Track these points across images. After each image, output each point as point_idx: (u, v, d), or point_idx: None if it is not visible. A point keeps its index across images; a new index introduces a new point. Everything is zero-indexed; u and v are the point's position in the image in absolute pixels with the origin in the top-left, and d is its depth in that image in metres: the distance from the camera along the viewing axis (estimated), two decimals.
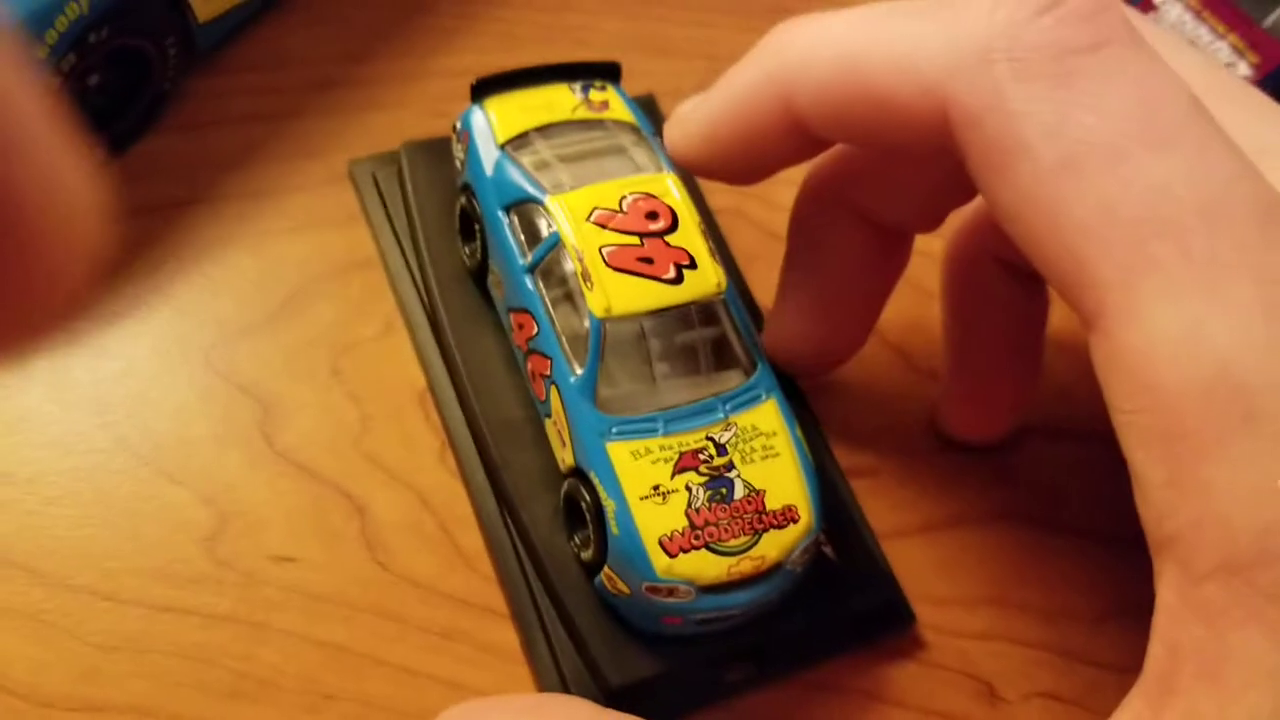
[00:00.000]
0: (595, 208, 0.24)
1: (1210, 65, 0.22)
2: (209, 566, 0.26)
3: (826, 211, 0.26)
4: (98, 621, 0.25)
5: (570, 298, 0.25)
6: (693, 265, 0.24)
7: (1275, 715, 0.17)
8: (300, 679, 0.25)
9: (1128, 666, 0.20)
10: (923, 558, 0.28)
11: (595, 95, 0.28)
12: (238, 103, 0.32)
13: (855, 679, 0.26)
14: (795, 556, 0.23)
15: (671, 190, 0.25)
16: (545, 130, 0.27)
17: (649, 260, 0.24)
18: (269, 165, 0.31)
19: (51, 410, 0.27)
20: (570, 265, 0.24)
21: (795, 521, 0.23)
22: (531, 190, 0.25)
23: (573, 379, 0.24)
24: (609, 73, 0.28)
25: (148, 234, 0.30)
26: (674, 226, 0.24)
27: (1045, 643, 0.28)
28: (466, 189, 0.27)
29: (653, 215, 0.24)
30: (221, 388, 0.28)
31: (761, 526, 0.23)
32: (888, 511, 0.29)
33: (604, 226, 0.24)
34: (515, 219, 0.26)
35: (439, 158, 0.29)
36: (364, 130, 0.32)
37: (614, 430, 0.23)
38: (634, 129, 0.27)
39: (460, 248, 0.28)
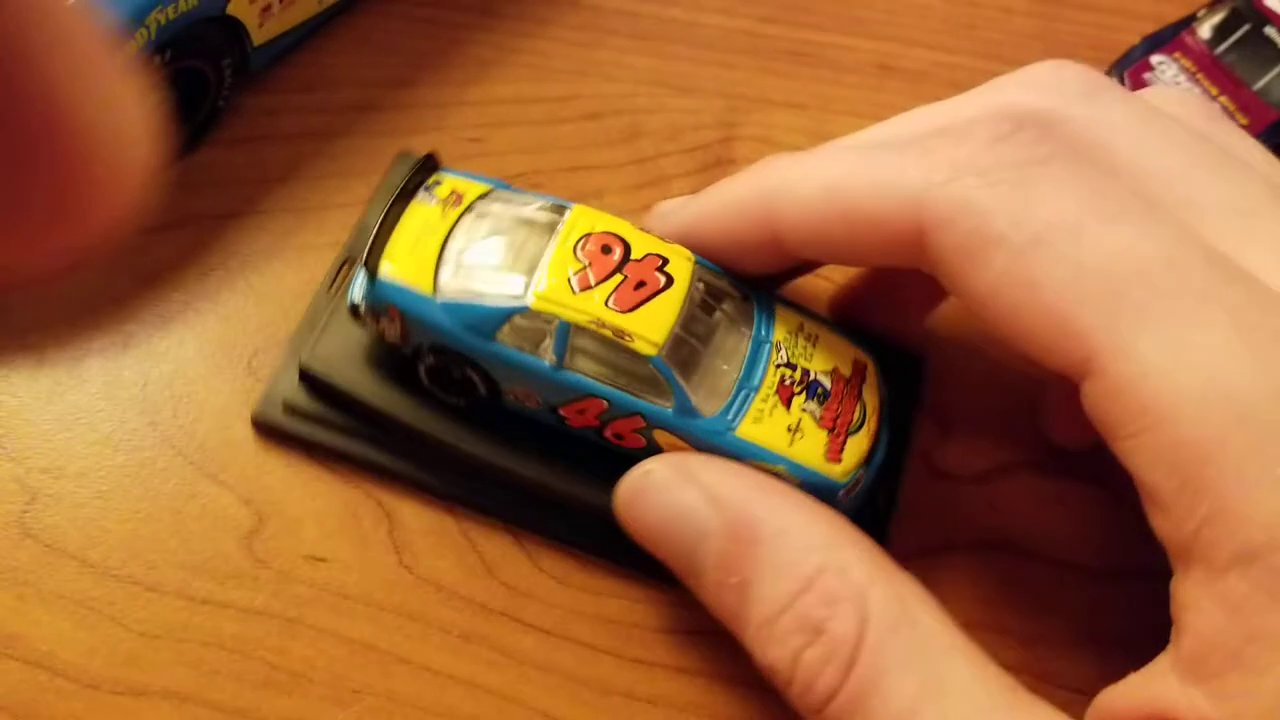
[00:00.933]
0: (567, 278, 0.25)
1: (1193, 137, 0.25)
2: (246, 563, 0.27)
3: None
4: (142, 610, 0.26)
5: (597, 356, 0.26)
6: (664, 260, 0.26)
7: None
8: (329, 673, 0.26)
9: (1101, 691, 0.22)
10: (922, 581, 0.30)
11: (441, 192, 0.27)
12: (286, 120, 0.34)
13: None
14: (884, 390, 0.28)
15: (590, 217, 0.26)
16: (443, 255, 0.26)
17: (641, 284, 0.25)
18: (313, 182, 0.33)
19: (103, 408, 0.29)
20: (580, 339, 0.25)
21: (864, 365, 0.27)
22: (508, 304, 0.25)
23: (671, 411, 0.25)
24: (431, 168, 0.28)
25: (198, 242, 0.31)
26: (626, 244, 0.26)
27: (1023, 666, 0.29)
28: (434, 350, 0.26)
29: (606, 249, 0.26)
30: (263, 393, 0.29)
31: (855, 391, 0.27)
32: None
33: (589, 287, 0.25)
34: (510, 336, 0.26)
35: None
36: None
37: (729, 420, 0.25)
38: (498, 196, 0.27)
39: (445, 399, 0.28)
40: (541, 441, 0.27)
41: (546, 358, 0.25)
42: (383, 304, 0.26)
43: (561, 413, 0.27)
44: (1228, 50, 0.38)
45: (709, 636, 0.27)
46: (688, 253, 0.26)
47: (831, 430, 0.26)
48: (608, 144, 0.35)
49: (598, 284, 0.25)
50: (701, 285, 0.26)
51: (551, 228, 0.26)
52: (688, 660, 0.27)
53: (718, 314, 0.27)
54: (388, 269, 0.26)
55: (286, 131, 0.34)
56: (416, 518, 0.28)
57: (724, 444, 0.25)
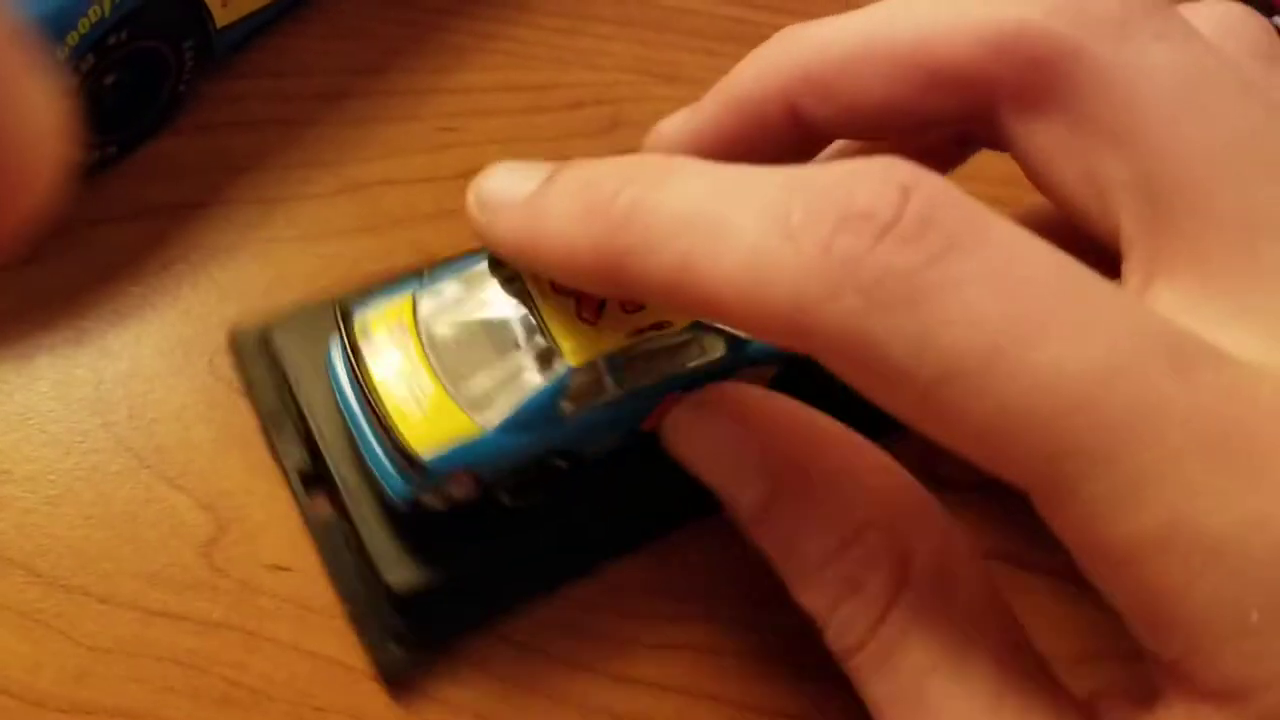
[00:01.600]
0: (575, 319, 0.23)
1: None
2: (205, 573, 0.26)
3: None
4: (92, 623, 0.25)
5: (645, 359, 0.24)
6: None
7: None
8: (291, 690, 0.25)
9: None
10: None
11: (378, 334, 0.24)
12: (252, 107, 0.32)
13: (831, 713, 0.27)
14: None
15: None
16: (449, 390, 0.24)
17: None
18: (280, 172, 0.31)
19: (54, 409, 0.27)
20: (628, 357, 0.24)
21: None
22: (553, 382, 0.23)
23: (725, 356, 0.25)
24: (347, 315, 0.24)
25: (157, 234, 0.30)
26: None
27: None
28: (513, 473, 0.24)
29: None
30: (224, 393, 0.28)
31: None
32: None
33: (598, 310, 0.24)
34: (571, 406, 0.24)
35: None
36: (375, 142, 0.33)
37: None
38: (427, 299, 0.25)
39: (531, 506, 0.26)
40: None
41: (613, 396, 0.24)
42: (445, 477, 0.23)
43: (643, 430, 0.25)
44: None
45: (687, 652, 0.26)
46: None
47: None
48: (589, 134, 0.34)
49: (600, 302, 0.24)
50: None
51: (509, 285, 0.24)
52: (670, 677, 0.26)
53: None
54: (425, 447, 0.23)
55: (253, 119, 0.32)
56: None
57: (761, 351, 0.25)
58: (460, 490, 0.24)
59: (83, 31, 0.26)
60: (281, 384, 0.27)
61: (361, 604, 0.25)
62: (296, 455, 0.27)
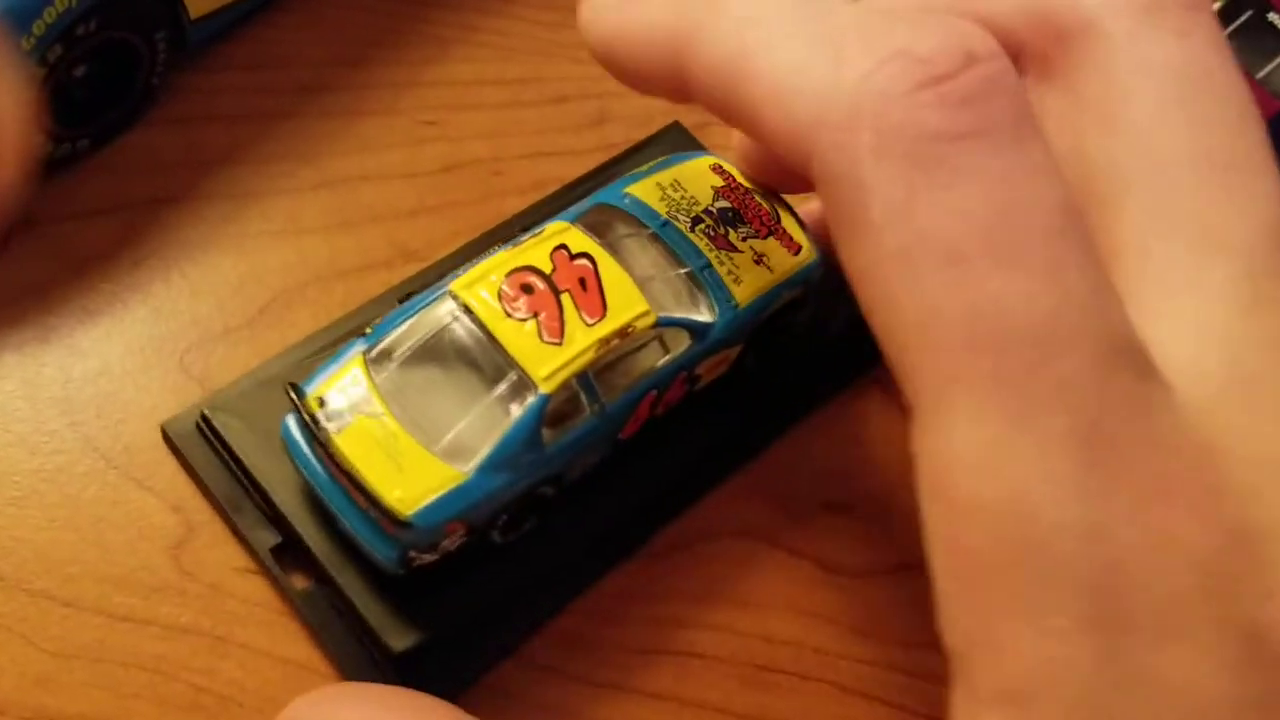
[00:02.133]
0: (538, 341, 0.23)
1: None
2: (173, 576, 0.25)
3: None
4: (56, 628, 0.24)
5: (616, 364, 0.24)
6: (567, 247, 0.24)
7: None
8: (260, 696, 0.24)
9: None
10: (893, 598, 0.28)
11: (333, 402, 0.23)
12: (227, 101, 0.32)
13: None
14: None
15: (470, 282, 0.24)
16: (423, 441, 0.23)
17: (583, 281, 0.24)
18: (255, 166, 0.31)
19: (19, 407, 0.27)
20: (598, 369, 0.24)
21: None
22: (528, 412, 0.23)
23: (692, 348, 0.25)
24: (300, 394, 0.24)
25: (128, 230, 0.29)
26: (533, 269, 0.24)
27: None
28: (503, 510, 0.24)
29: (527, 288, 0.24)
30: (195, 392, 0.27)
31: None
32: (860, 548, 0.29)
33: (560, 328, 0.23)
34: (550, 431, 0.24)
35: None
36: (353, 136, 0.32)
37: (728, 301, 0.26)
38: (378, 350, 0.24)
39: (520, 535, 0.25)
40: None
41: (591, 413, 0.24)
42: (436, 532, 0.23)
43: (622, 438, 0.25)
44: (1229, 37, 0.36)
45: (657, 656, 0.26)
46: (572, 228, 0.25)
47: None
48: (574, 129, 0.33)
49: (560, 319, 0.23)
50: (610, 238, 0.25)
51: (459, 322, 0.24)
52: (635, 680, 0.26)
53: (632, 239, 0.26)
54: (406, 505, 0.22)
55: (227, 112, 0.32)
56: None
57: (739, 319, 0.25)
58: (452, 541, 0.23)
59: (49, 21, 0.26)
60: (231, 467, 0.26)
61: (359, 666, 0.25)
62: (263, 535, 0.25)
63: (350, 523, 0.23)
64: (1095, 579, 0.16)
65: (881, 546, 0.29)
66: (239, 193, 0.30)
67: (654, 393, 0.25)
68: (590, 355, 0.23)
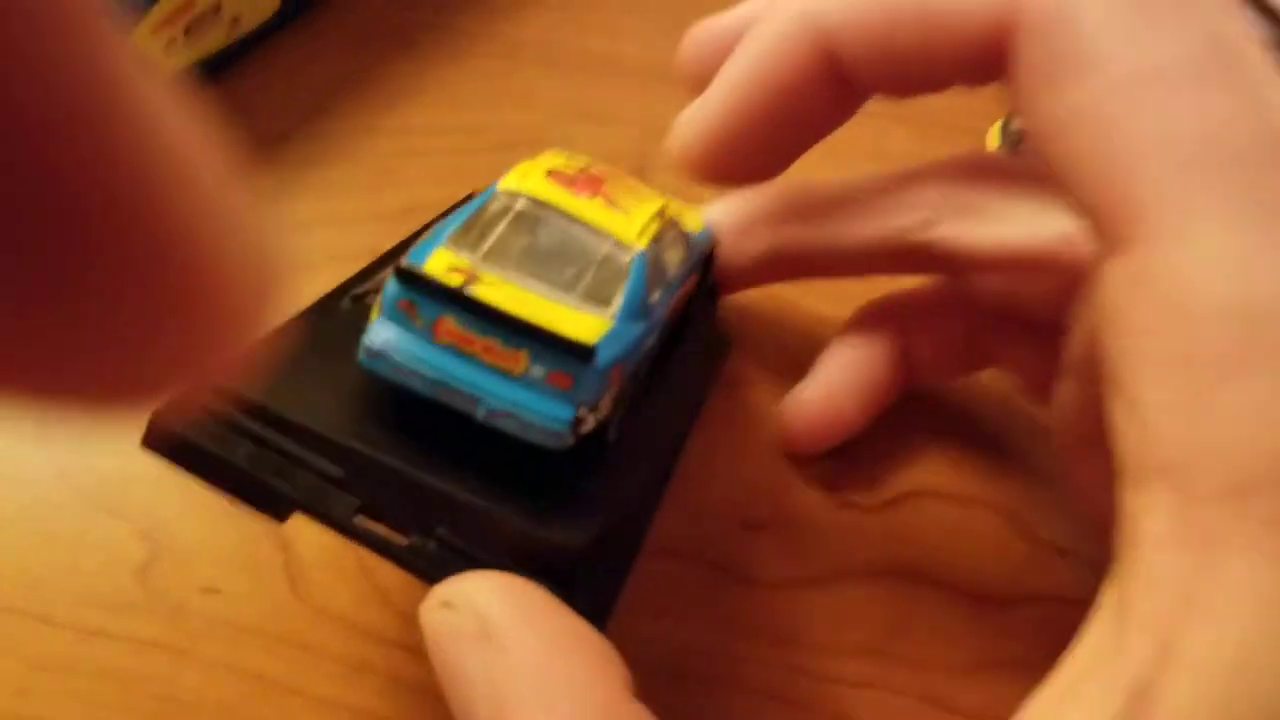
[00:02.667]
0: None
1: None
2: (140, 596, 0.28)
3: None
4: (32, 643, 0.27)
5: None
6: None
7: (1261, 644, 0.16)
8: (219, 705, 0.26)
9: (992, 715, 0.22)
10: (808, 608, 0.31)
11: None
12: None
13: None
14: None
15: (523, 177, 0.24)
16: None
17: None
18: None
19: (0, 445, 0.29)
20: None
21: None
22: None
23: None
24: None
25: None
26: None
27: (915, 691, 0.30)
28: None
29: (569, 180, 0.24)
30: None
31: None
32: (781, 562, 0.31)
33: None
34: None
35: None
36: (314, 183, 0.34)
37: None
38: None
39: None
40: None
41: (671, 276, 0.25)
42: (606, 376, 0.21)
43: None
44: None
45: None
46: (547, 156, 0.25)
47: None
48: None
49: (612, 199, 0.24)
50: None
51: (528, 208, 0.23)
52: None
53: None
54: (589, 335, 0.21)
55: None
56: (312, 549, 0.29)
57: (695, 240, 0.26)
58: (609, 402, 0.22)
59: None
60: (278, 445, 0.22)
61: None
62: (342, 500, 0.22)
63: (502, 401, 0.21)
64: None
65: (799, 561, 0.31)
66: None
67: (694, 276, 0.25)
68: (658, 222, 0.24)
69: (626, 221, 0.23)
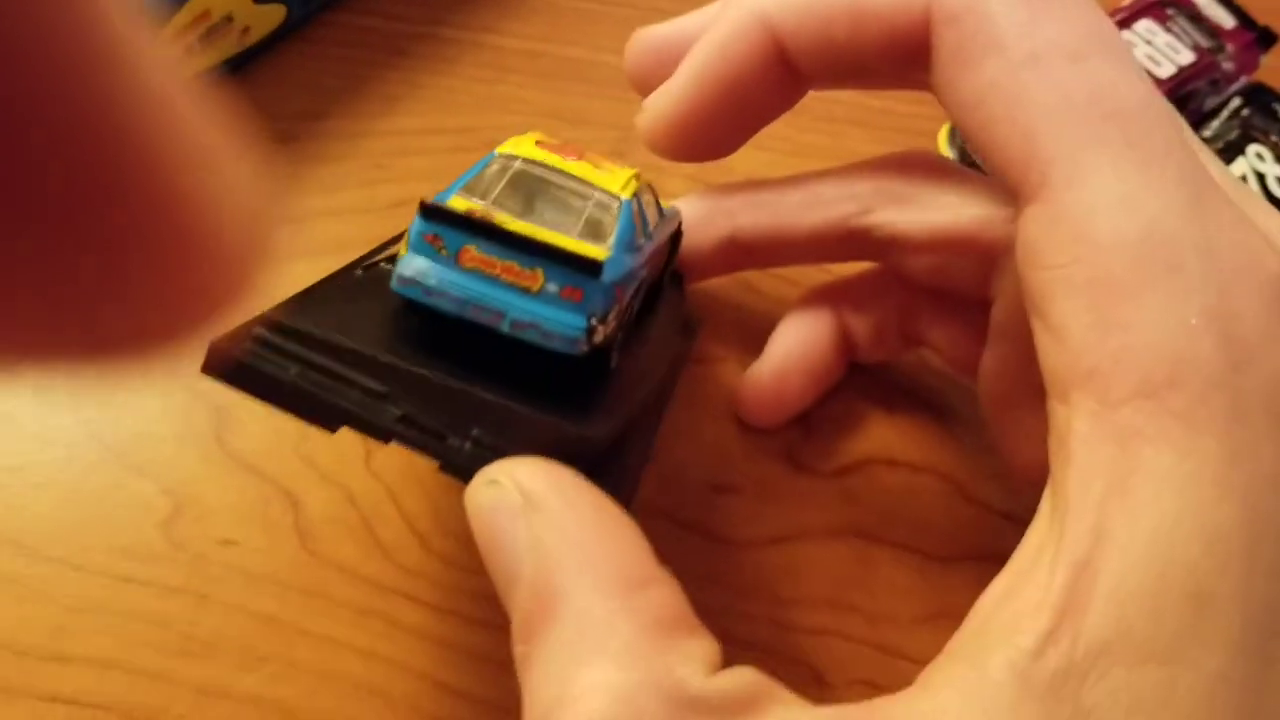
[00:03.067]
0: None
1: None
2: (165, 547, 0.30)
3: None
4: (69, 588, 0.29)
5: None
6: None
7: (1180, 519, 0.19)
8: (238, 643, 0.29)
9: None
10: (771, 564, 0.34)
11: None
12: None
13: None
14: None
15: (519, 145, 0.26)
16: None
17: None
18: None
19: (36, 409, 0.32)
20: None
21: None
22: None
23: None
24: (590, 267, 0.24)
25: None
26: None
27: (869, 640, 0.33)
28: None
29: (556, 148, 0.27)
30: (184, 395, 0.33)
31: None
32: (745, 523, 0.34)
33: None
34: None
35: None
36: (316, 179, 0.37)
37: None
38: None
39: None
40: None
41: (652, 228, 0.28)
42: (611, 293, 0.24)
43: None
44: None
45: None
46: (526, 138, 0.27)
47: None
48: None
49: (594, 161, 0.27)
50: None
51: (523, 167, 0.26)
52: None
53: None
54: (597, 253, 0.24)
55: None
56: (320, 506, 0.32)
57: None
58: (614, 319, 0.25)
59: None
60: (320, 364, 0.24)
61: None
62: (385, 409, 0.24)
63: (525, 313, 0.24)
64: (1212, 283, 0.20)
65: (762, 522, 0.34)
66: None
67: (656, 243, 0.28)
68: (636, 181, 0.27)
69: (610, 178, 0.26)
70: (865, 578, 0.34)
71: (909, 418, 0.36)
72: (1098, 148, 0.21)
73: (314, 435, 0.32)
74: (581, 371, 0.25)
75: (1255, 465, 0.19)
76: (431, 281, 0.24)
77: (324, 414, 0.23)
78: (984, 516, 0.35)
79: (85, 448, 0.31)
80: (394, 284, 0.24)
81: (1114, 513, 0.19)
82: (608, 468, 0.23)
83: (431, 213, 0.24)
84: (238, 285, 0.11)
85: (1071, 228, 0.21)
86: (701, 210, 0.33)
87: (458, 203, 0.25)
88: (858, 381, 0.36)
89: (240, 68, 0.38)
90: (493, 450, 0.23)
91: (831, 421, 0.36)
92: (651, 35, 0.30)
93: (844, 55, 0.26)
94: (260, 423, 0.33)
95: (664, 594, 0.22)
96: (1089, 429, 0.20)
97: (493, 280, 0.24)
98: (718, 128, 0.29)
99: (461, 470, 0.23)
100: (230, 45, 0.37)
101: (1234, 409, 0.19)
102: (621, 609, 0.21)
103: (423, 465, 0.32)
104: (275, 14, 0.38)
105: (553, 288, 0.24)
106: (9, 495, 0.30)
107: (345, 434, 0.32)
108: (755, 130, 0.30)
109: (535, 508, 0.21)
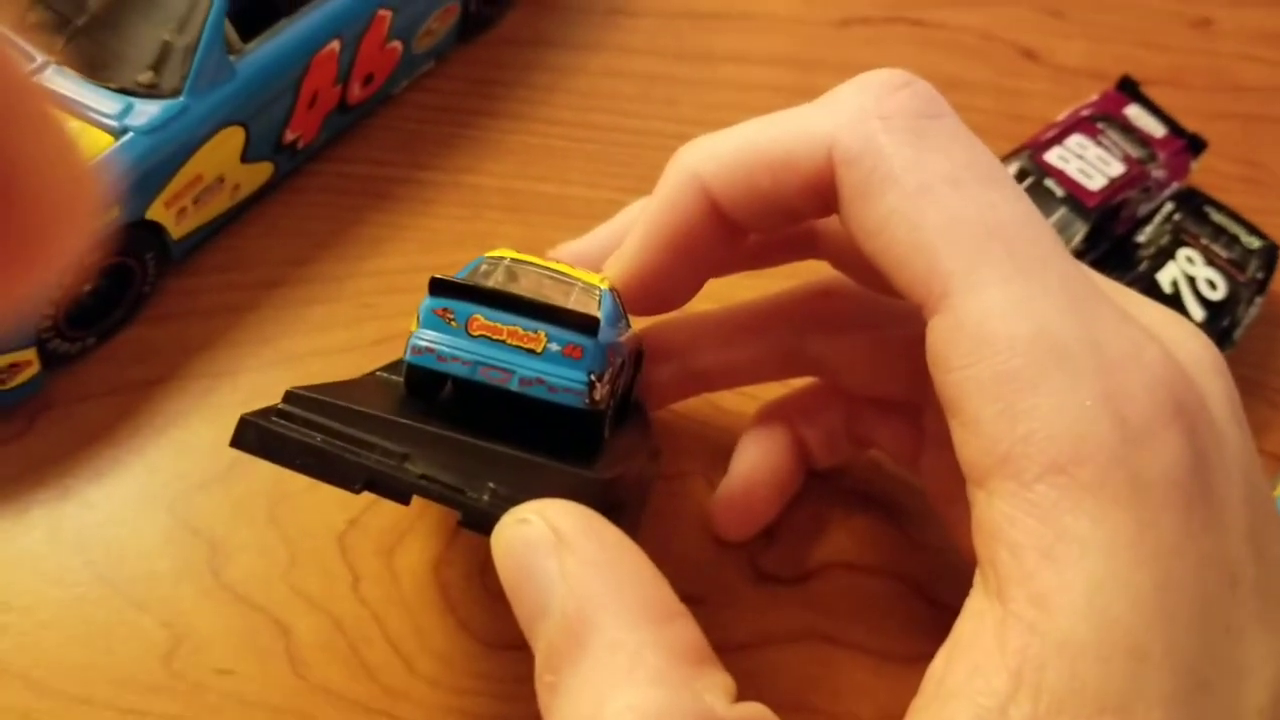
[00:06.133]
0: None
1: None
2: (165, 677, 0.33)
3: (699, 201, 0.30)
4: None
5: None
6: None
7: (1106, 581, 0.21)
8: None
9: None
10: (736, 671, 0.35)
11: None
12: (203, 299, 0.40)
13: None
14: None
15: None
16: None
17: None
18: (227, 350, 0.39)
19: (45, 551, 0.34)
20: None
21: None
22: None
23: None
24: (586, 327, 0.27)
25: (127, 406, 0.37)
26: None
27: None
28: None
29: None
30: (180, 532, 0.35)
31: None
32: (709, 631, 0.35)
33: None
34: None
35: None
36: (305, 320, 0.40)
37: None
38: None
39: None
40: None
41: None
42: (607, 351, 0.27)
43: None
44: None
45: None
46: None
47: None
48: None
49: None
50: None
51: (511, 266, 0.29)
52: None
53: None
54: (593, 310, 0.27)
55: (205, 308, 0.40)
56: (309, 633, 0.34)
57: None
58: (608, 380, 0.27)
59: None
60: (345, 431, 0.26)
61: None
62: (407, 471, 0.25)
63: (531, 371, 0.26)
64: (1101, 371, 0.23)
65: (726, 629, 0.36)
66: (214, 372, 0.39)
67: (628, 338, 0.31)
68: (607, 281, 0.30)
69: (587, 275, 0.30)
70: (827, 679, 0.36)
71: (865, 521, 0.38)
72: (987, 261, 0.24)
73: (301, 564, 0.35)
74: (580, 433, 0.28)
75: (1158, 533, 0.22)
76: (444, 348, 0.27)
77: (347, 474, 0.25)
78: (940, 614, 0.36)
79: (91, 586, 0.34)
80: (408, 355, 0.27)
81: (1048, 578, 0.21)
82: (617, 510, 0.25)
83: (441, 287, 0.27)
84: (67, 243, 0.12)
85: (972, 333, 0.23)
86: (654, 344, 0.35)
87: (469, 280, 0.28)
88: (816, 489, 0.38)
89: (231, 220, 0.41)
90: (509, 501, 0.25)
91: (792, 530, 0.38)
92: (566, 251, 0.34)
93: (770, 203, 0.29)
94: (252, 555, 0.35)
95: (688, 628, 0.24)
96: (1011, 507, 0.22)
97: (500, 344, 0.27)
98: (670, 282, 0.32)
99: (482, 519, 0.25)
100: (223, 203, 0.40)
101: (1134, 481, 0.22)
102: (650, 640, 0.22)
103: (407, 588, 0.35)
104: (263, 171, 0.41)
105: (555, 347, 0.26)
106: (19, 634, 0.33)
107: (330, 558, 0.35)
108: (706, 279, 0.33)
109: (566, 544, 0.23)
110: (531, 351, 0.27)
